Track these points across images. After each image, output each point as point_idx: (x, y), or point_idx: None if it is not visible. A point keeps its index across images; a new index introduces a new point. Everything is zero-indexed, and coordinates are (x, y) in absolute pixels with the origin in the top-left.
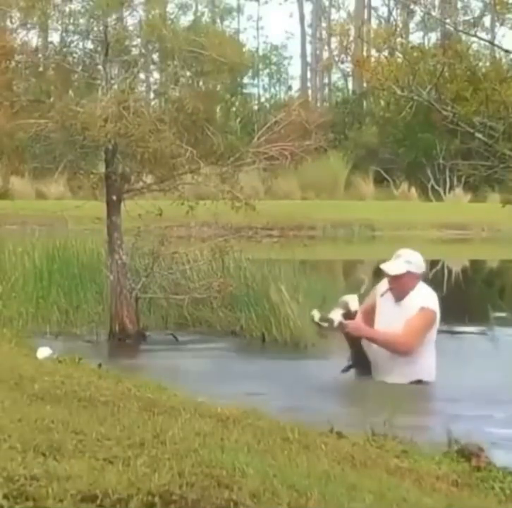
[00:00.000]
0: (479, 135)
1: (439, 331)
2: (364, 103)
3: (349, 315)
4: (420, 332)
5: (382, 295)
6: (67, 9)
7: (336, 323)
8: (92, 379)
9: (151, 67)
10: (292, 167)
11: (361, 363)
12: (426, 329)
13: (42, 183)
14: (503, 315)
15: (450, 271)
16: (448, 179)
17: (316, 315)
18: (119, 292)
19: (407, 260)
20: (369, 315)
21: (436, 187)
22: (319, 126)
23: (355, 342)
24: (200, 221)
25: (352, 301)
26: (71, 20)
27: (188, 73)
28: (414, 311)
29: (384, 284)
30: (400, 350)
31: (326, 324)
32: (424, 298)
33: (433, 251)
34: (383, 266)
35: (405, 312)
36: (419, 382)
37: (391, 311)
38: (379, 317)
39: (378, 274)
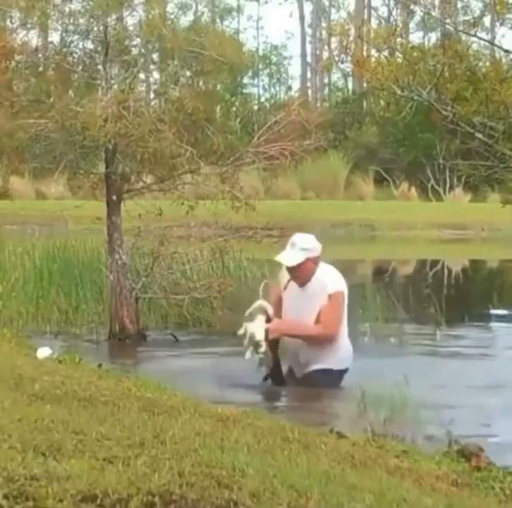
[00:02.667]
0: (479, 135)
1: (439, 331)
2: (364, 103)
3: (268, 319)
4: (338, 318)
5: (285, 286)
6: (67, 9)
7: (261, 337)
8: (92, 379)
9: (151, 67)
10: (292, 167)
11: (276, 374)
12: (341, 313)
13: (42, 183)
14: (503, 314)
15: (450, 271)
16: (448, 179)
17: (248, 354)
18: (119, 292)
19: (302, 248)
20: (278, 308)
21: (436, 187)
22: (318, 126)
23: (273, 350)
24: (200, 221)
25: (268, 305)
26: (71, 20)
27: (188, 73)
28: (323, 298)
29: (284, 274)
30: (325, 341)
31: (256, 353)
32: (329, 282)
33: (433, 251)
34: (279, 258)
35: (311, 297)
36: (334, 371)
37: (297, 298)
38: (285, 305)
39: (378, 273)
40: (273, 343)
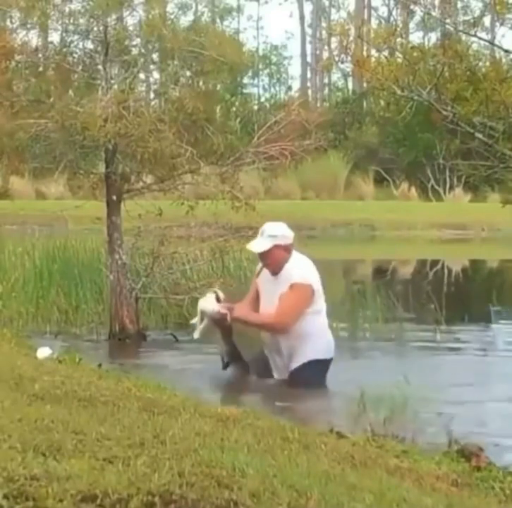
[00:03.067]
0: (479, 135)
1: (439, 331)
2: (364, 103)
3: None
4: (293, 309)
5: (258, 274)
6: (67, 9)
7: (214, 311)
8: (92, 379)
9: (151, 67)
10: (292, 167)
11: (236, 359)
12: (299, 304)
13: (42, 183)
14: (503, 314)
15: (450, 271)
16: (448, 179)
17: (196, 333)
18: (119, 292)
19: (270, 235)
20: (255, 300)
21: (436, 187)
22: (318, 126)
23: (227, 336)
24: (200, 221)
25: (219, 292)
26: (71, 20)
27: (188, 73)
28: (287, 287)
29: (260, 263)
30: (276, 329)
31: (200, 321)
32: (296, 272)
33: (433, 251)
34: (248, 245)
35: (280, 285)
36: (317, 362)
37: (269, 286)
38: (262, 295)
39: (378, 273)
40: (227, 330)
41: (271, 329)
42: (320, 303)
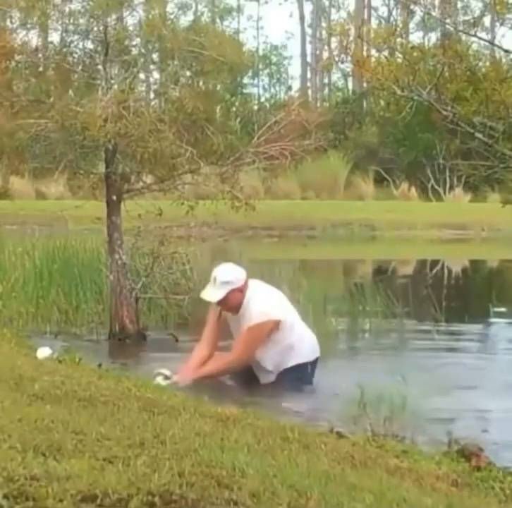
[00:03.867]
0: (479, 135)
1: (438, 331)
2: (364, 103)
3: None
4: (250, 345)
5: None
6: (67, 9)
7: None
8: (92, 379)
9: (151, 67)
10: (292, 167)
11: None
12: (257, 343)
13: (42, 183)
14: (503, 314)
15: (450, 271)
16: (448, 179)
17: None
18: (119, 292)
19: (223, 281)
20: (215, 332)
21: (436, 187)
22: (318, 126)
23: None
24: (200, 221)
25: (164, 371)
26: (71, 20)
27: (188, 73)
28: (245, 328)
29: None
30: (237, 369)
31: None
32: (254, 310)
33: (433, 251)
34: (202, 295)
35: (242, 322)
36: (303, 364)
37: (233, 324)
38: (232, 330)
39: (378, 273)
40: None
41: (232, 371)
42: (289, 319)
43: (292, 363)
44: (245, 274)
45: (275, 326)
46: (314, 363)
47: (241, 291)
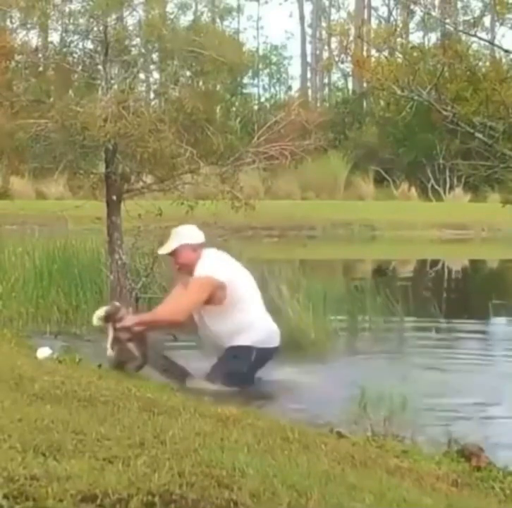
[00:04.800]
0: (479, 135)
1: (438, 330)
2: (364, 103)
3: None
4: (187, 304)
5: (179, 278)
6: (67, 9)
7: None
8: (92, 379)
9: (151, 67)
10: (292, 167)
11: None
12: (194, 300)
13: (42, 183)
14: (503, 314)
15: (450, 271)
16: (448, 179)
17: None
18: (119, 292)
19: (176, 233)
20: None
21: (436, 187)
22: (318, 126)
23: (143, 345)
24: (200, 221)
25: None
26: (71, 20)
27: (188, 73)
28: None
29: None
30: (171, 325)
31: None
32: (199, 268)
33: (433, 251)
34: (159, 250)
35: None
36: (244, 347)
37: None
38: None
39: (378, 273)
40: (140, 340)
41: (166, 325)
42: (240, 295)
43: (239, 342)
44: (202, 237)
45: (218, 288)
46: (263, 352)
47: (194, 250)
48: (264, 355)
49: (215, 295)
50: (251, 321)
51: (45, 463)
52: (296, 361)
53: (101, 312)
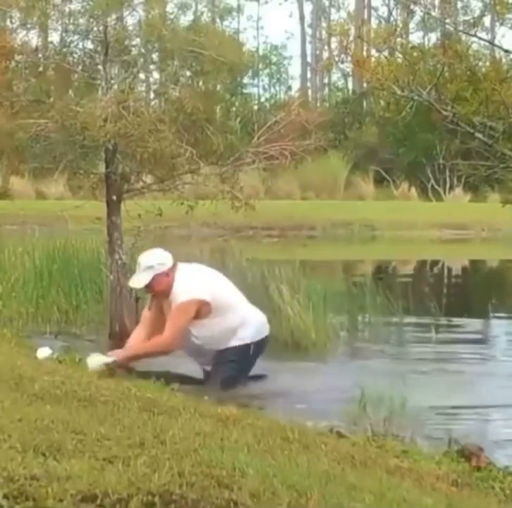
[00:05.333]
0: (479, 135)
1: (438, 330)
2: (364, 103)
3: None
4: (175, 328)
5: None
6: (67, 9)
7: (101, 366)
8: (92, 379)
9: (151, 67)
10: (292, 167)
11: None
12: (183, 323)
13: (42, 183)
14: (503, 314)
15: (450, 271)
16: (448, 179)
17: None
18: (119, 292)
19: (147, 266)
20: (153, 323)
21: (436, 187)
22: (318, 126)
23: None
24: (200, 221)
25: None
26: (71, 20)
27: (188, 73)
28: (173, 308)
29: None
30: (166, 351)
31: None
32: (180, 291)
33: (433, 251)
34: (129, 283)
35: (173, 303)
36: (240, 347)
37: (167, 309)
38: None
39: (378, 274)
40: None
41: (160, 353)
42: (224, 302)
43: (235, 343)
44: (171, 258)
45: (203, 305)
46: (259, 344)
47: (167, 274)
48: (260, 346)
49: (201, 311)
50: (243, 318)
51: (45, 463)
52: (296, 361)
53: (99, 361)
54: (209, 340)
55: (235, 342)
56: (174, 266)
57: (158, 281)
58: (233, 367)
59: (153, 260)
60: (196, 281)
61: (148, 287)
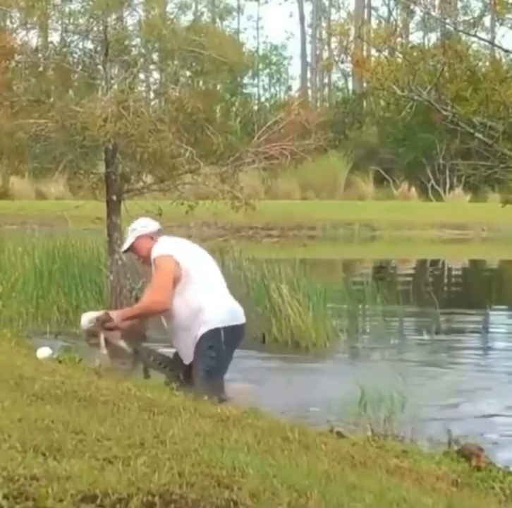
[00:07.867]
0: (479, 135)
1: (438, 330)
2: (364, 103)
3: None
4: (160, 283)
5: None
6: (67, 9)
7: (93, 320)
8: (92, 379)
9: (151, 67)
10: (292, 167)
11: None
12: (164, 276)
13: (42, 183)
14: (503, 314)
15: (450, 271)
16: (448, 179)
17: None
18: (119, 292)
19: (130, 229)
20: None
21: (436, 187)
22: (318, 126)
23: (137, 343)
24: (200, 221)
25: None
26: (71, 20)
27: (188, 73)
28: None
29: None
30: (156, 309)
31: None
32: (155, 250)
33: (433, 251)
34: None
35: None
36: (211, 332)
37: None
38: None
39: (378, 273)
40: (135, 337)
41: (151, 311)
42: (196, 272)
43: (204, 329)
44: (156, 224)
45: (176, 266)
46: (230, 330)
47: (152, 238)
48: (232, 334)
49: (176, 274)
50: (213, 298)
51: (45, 463)
52: (296, 361)
53: (91, 315)
54: (181, 322)
55: (205, 327)
56: (159, 232)
57: (142, 244)
58: (211, 356)
59: (136, 224)
60: (171, 244)
61: (134, 252)
